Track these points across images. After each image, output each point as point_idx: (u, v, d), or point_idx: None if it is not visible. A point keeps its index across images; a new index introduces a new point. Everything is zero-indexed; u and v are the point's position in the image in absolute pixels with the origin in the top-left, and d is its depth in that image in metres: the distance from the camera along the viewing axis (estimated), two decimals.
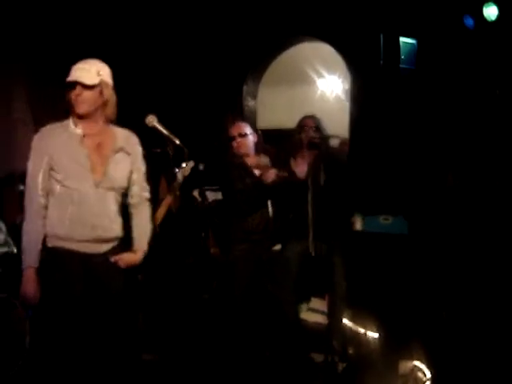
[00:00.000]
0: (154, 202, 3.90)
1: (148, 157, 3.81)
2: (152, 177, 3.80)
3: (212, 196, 4.84)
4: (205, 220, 4.75)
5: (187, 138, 3.49)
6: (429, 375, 3.53)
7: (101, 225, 2.84)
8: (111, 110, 2.89)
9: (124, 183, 2.94)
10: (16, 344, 3.70)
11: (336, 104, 6.75)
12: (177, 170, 3.73)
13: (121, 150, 2.91)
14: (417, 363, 3.59)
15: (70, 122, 2.86)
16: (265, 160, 4.22)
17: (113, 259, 2.90)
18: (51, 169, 2.81)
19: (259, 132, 4.84)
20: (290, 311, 4.10)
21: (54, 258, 2.83)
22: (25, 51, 6.35)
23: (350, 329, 4.34)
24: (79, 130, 2.84)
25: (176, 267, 3.70)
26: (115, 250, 2.93)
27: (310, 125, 4.17)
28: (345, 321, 4.23)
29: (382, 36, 5.65)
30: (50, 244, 2.83)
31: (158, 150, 3.64)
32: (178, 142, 3.37)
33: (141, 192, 3.05)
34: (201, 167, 4.77)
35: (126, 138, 2.96)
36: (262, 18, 6.30)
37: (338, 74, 6.82)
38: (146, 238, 3.04)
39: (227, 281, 4.23)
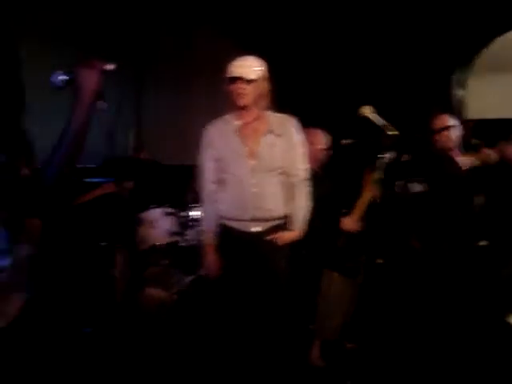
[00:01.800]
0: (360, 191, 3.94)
1: (358, 147, 3.84)
2: (360, 167, 3.84)
3: (416, 188, 4.72)
4: (407, 212, 4.66)
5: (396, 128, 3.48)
6: None
7: (258, 206, 3.13)
8: (265, 100, 3.17)
9: (279, 163, 3.17)
10: None
11: None
12: (378, 159, 3.75)
13: (271, 132, 3.15)
14: None
15: (230, 115, 3.19)
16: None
17: (270, 237, 3.17)
18: (217, 159, 3.19)
19: (471, 124, 4.59)
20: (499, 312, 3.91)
21: (223, 235, 3.23)
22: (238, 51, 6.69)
23: None
24: (236, 122, 3.16)
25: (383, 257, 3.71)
26: (275, 229, 3.19)
27: None
28: None
29: None
30: (221, 222, 3.23)
31: (371, 140, 3.67)
32: (391, 132, 3.36)
33: (297, 172, 3.24)
34: (406, 158, 4.67)
35: (278, 121, 3.20)
36: (473, 6, 5.98)
37: None
38: (301, 216, 3.24)
39: (428, 275, 4.12)
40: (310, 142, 3.79)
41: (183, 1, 6.28)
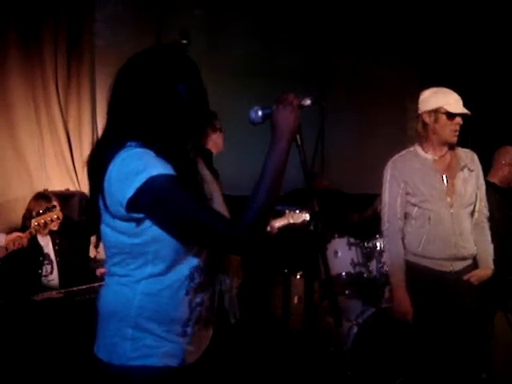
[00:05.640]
0: None
1: None
2: None
3: None
4: None
5: None
6: None
7: (455, 244, 2.98)
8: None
9: (472, 200, 3.04)
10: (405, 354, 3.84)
11: None
12: None
13: (464, 167, 3.02)
14: None
15: (416, 148, 3.09)
16: None
17: (466, 277, 3.01)
18: (407, 193, 3.05)
19: None
20: None
21: (409, 272, 3.06)
22: (420, 73, 6.53)
23: None
24: (427, 155, 3.04)
25: None
26: (469, 268, 3.04)
27: None
28: None
29: None
30: (406, 257, 3.08)
31: None
32: None
33: (482, 208, 3.12)
34: None
35: (468, 156, 3.12)
36: None
37: None
38: (491, 254, 3.10)
39: None
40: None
41: (364, 28, 6.26)
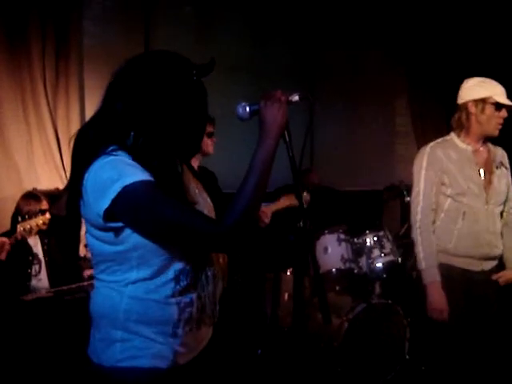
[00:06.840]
0: None
1: None
2: None
3: None
4: None
5: None
6: None
7: (489, 242, 2.84)
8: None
9: (504, 198, 2.90)
10: (395, 349, 3.86)
11: None
12: None
13: (500, 164, 2.89)
14: None
15: (455, 138, 2.90)
16: None
17: (494, 277, 2.89)
18: (442, 183, 2.86)
19: None
20: None
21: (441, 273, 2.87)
22: (408, 70, 6.57)
23: None
24: (469, 147, 2.87)
25: None
26: (496, 269, 2.91)
27: None
28: None
29: None
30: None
31: None
32: None
33: (511, 209, 2.96)
34: None
35: (502, 153, 2.94)
36: None
37: None
38: None
39: None
40: None
41: (353, 27, 6.27)
